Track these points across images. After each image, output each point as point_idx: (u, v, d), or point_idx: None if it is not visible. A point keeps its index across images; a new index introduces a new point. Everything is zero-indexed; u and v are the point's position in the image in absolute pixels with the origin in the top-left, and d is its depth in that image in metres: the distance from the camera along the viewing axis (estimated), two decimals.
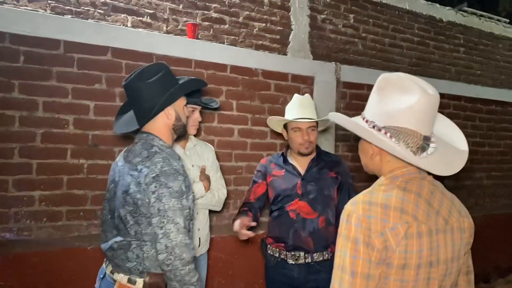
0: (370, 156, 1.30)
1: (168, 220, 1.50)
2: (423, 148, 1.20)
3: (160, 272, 1.57)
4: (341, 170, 2.40)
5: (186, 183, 1.60)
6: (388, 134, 1.21)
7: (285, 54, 4.19)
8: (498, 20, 6.11)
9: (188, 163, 2.42)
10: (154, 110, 1.66)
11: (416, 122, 1.19)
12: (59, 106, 2.84)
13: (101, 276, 1.72)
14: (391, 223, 1.13)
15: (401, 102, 1.20)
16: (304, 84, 3.93)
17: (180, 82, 1.83)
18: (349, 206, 1.20)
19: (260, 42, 4.05)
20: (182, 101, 1.80)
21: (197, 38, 3.66)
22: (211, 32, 3.76)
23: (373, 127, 1.24)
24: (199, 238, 2.43)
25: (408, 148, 1.20)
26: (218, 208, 2.59)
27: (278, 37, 4.14)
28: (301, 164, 2.38)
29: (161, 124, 1.73)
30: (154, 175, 1.53)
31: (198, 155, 2.51)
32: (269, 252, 2.39)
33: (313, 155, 2.39)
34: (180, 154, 2.40)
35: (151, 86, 1.68)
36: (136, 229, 1.58)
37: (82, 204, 2.89)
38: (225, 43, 3.81)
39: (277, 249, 2.32)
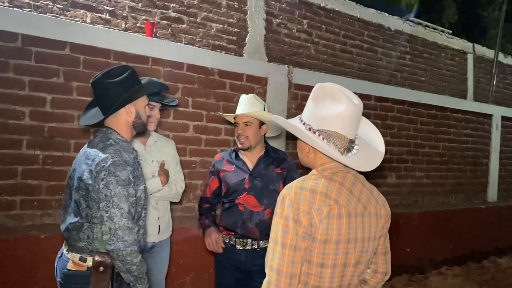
0: (306, 153, 1.54)
1: (113, 205, 1.68)
2: (348, 149, 1.45)
3: (108, 252, 1.73)
4: (287, 166, 2.60)
5: (134, 174, 1.77)
6: (321, 136, 1.45)
7: (241, 55, 4.38)
8: (442, 31, 6.58)
9: (148, 158, 2.57)
10: (115, 106, 1.82)
11: (344, 127, 1.44)
12: (16, 97, 2.90)
13: (59, 256, 1.87)
14: (317, 205, 1.37)
15: (332, 110, 1.44)
16: (258, 84, 4.13)
17: (143, 83, 2.01)
18: (284, 190, 1.44)
19: (217, 42, 4.23)
20: (143, 100, 1.97)
21: (155, 37, 3.78)
22: (169, 30, 3.90)
23: (309, 129, 1.47)
24: (159, 226, 2.58)
25: (336, 148, 1.44)
26: (177, 200, 2.74)
27: (235, 38, 4.33)
28: (250, 160, 2.58)
29: (122, 120, 1.89)
30: (104, 164, 1.70)
31: (158, 151, 2.65)
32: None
33: (262, 152, 2.59)
34: (141, 150, 2.55)
35: (115, 85, 1.85)
36: (87, 212, 1.74)
37: (36, 194, 2.97)
38: (183, 42, 3.96)
39: (227, 236, 2.51)
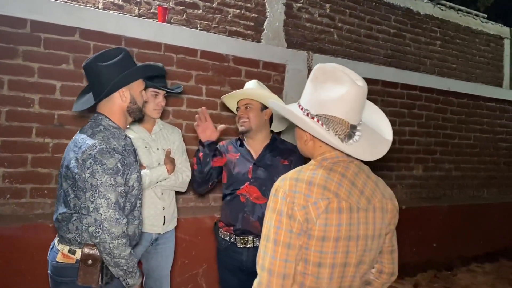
0: (304, 141, 1.39)
1: (99, 195, 1.58)
2: (349, 136, 1.29)
3: None
4: (294, 158, 2.41)
5: (124, 162, 1.67)
6: (320, 122, 1.29)
7: (259, 41, 4.24)
8: (476, 15, 6.20)
9: (153, 146, 2.49)
10: (107, 90, 1.73)
11: (345, 111, 1.28)
12: (25, 85, 2.87)
13: (51, 247, 1.80)
14: (314, 198, 1.22)
15: (333, 92, 1.28)
16: (275, 71, 3.98)
17: (139, 66, 1.90)
18: (278, 182, 1.30)
19: (234, 28, 4.09)
20: (139, 85, 1.87)
21: (170, 23, 3.69)
22: (184, 16, 3.79)
23: (307, 114, 1.32)
24: (164, 216, 2.50)
25: (336, 135, 1.28)
26: (183, 190, 2.65)
27: (252, 24, 4.19)
28: (255, 150, 2.44)
29: (115, 106, 1.79)
30: (91, 152, 1.61)
31: (164, 139, 2.57)
32: (220, 235, 2.44)
33: (268, 141, 2.45)
34: (146, 138, 2.47)
35: (109, 68, 1.75)
36: (76, 202, 1.66)
37: (46, 182, 2.94)
38: (198, 28, 3.85)
39: (228, 233, 2.37)
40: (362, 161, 1.39)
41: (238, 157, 2.42)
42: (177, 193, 3.36)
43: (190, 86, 3.50)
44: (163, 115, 3.36)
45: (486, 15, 6.40)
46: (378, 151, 1.34)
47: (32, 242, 2.67)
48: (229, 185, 2.40)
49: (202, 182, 2.42)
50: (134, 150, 1.87)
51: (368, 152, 1.31)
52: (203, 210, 3.53)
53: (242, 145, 2.47)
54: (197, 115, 2.35)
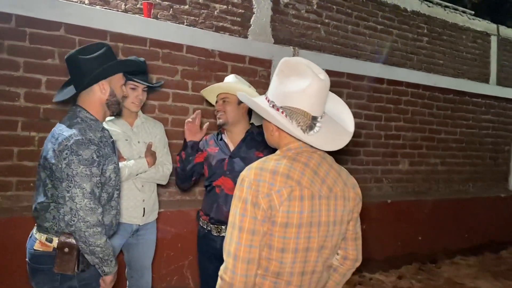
0: (270, 132, 1.45)
1: (75, 184, 1.63)
2: (311, 127, 1.36)
3: None
4: (270, 150, 2.47)
5: (99, 153, 1.72)
6: (284, 114, 1.36)
7: (246, 36, 4.27)
8: (463, 12, 6.27)
9: (134, 139, 2.53)
10: (87, 81, 1.78)
11: (307, 103, 1.35)
12: (10, 79, 2.90)
13: (30, 236, 1.85)
14: (277, 187, 1.29)
15: (296, 85, 1.35)
16: (261, 67, 4.03)
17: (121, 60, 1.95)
18: (244, 172, 1.37)
19: (221, 24, 4.13)
20: (119, 79, 1.92)
21: (156, 18, 3.72)
22: (170, 12, 3.83)
23: (273, 106, 1.38)
24: (144, 208, 2.55)
25: (299, 126, 1.35)
26: (164, 182, 2.70)
27: (239, 19, 4.22)
28: (233, 142, 2.49)
29: (95, 98, 1.84)
30: (67, 143, 1.66)
31: (146, 132, 2.62)
32: (200, 223, 2.52)
33: (244, 134, 2.50)
34: (127, 131, 2.52)
35: (90, 61, 1.81)
36: (53, 192, 1.71)
37: (32, 175, 2.98)
38: (185, 24, 3.88)
39: (205, 221, 2.45)
40: (334, 152, 1.45)
41: (217, 150, 2.48)
42: (163, 186, 3.43)
43: (176, 81, 3.55)
44: (149, 109, 3.41)
45: (473, 12, 6.47)
46: (339, 142, 1.39)
47: (18, 234, 2.71)
48: (209, 177, 2.47)
49: (184, 179, 2.53)
50: (113, 142, 1.91)
51: (328, 143, 1.37)
52: (189, 203, 3.59)
53: (221, 138, 2.53)
54: (192, 117, 2.48)
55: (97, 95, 1.84)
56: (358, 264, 1.53)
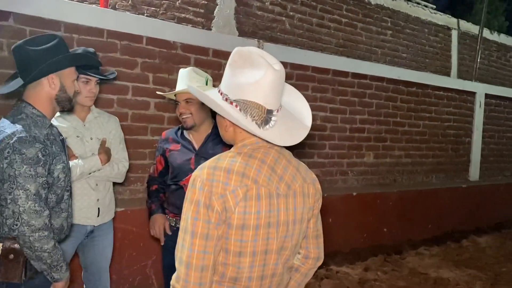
0: (225, 127, 1.35)
1: (18, 186, 1.51)
2: (266, 121, 1.26)
3: None
4: None
5: (46, 152, 1.59)
6: (238, 108, 1.26)
7: (209, 29, 4.18)
8: (425, 6, 6.37)
9: (87, 135, 2.39)
10: (34, 74, 1.65)
11: (262, 96, 1.25)
12: None
13: None
14: (232, 186, 1.20)
15: (250, 77, 1.25)
16: (226, 60, 3.87)
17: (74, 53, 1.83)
18: (196, 172, 1.26)
19: (183, 15, 4.01)
20: (71, 73, 1.79)
21: (114, 8, 3.57)
22: (129, 2, 3.68)
23: (226, 99, 1.29)
24: (98, 208, 2.42)
25: (253, 121, 1.25)
26: (120, 180, 2.58)
27: (202, 11, 4.12)
28: (197, 139, 2.39)
29: (43, 93, 1.71)
30: (9, 141, 1.53)
31: (99, 128, 2.48)
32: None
33: (210, 130, 2.41)
34: (79, 127, 2.37)
35: (39, 53, 1.68)
36: None
37: None
38: (145, 15, 3.74)
39: (174, 219, 2.37)
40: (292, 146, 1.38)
41: (179, 148, 2.38)
42: (125, 184, 3.30)
43: (135, 74, 3.41)
44: (107, 104, 3.26)
45: (434, 6, 6.59)
46: (295, 137, 1.31)
47: None
48: (174, 176, 2.36)
49: None
50: (62, 140, 1.79)
51: (284, 138, 1.28)
52: None
53: (182, 134, 2.42)
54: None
55: (45, 89, 1.71)
56: (320, 262, 1.48)
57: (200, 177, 1.22)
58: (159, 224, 2.36)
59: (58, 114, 2.14)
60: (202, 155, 2.32)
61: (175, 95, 2.37)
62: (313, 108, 1.50)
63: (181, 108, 2.31)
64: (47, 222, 1.56)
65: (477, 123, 6.50)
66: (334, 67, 4.76)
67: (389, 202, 4.98)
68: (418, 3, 6.26)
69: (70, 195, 1.80)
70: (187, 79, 2.30)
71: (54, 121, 2.17)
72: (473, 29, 7.06)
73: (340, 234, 4.43)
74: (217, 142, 2.36)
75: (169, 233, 2.37)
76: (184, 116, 2.30)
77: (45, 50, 1.68)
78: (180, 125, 2.48)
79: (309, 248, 1.44)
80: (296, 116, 1.38)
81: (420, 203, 5.31)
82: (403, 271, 4.37)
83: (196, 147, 2.36)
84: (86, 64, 2.08)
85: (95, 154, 2.34)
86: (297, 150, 1.37)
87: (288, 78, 4.05)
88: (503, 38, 7.75)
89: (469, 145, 6.48)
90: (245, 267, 1.22)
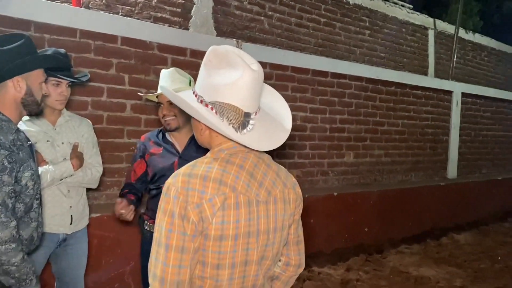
0: (200, 131, 1.27)
1: None
2: (243, 125, 1.19)
3: None
4: None
5: (12, 159, 1.50)
6: (214, 110, 1.18)
7: (187, 28, 4.09)
8: (402, 6, 6.42)
9: (57, 140, 2.28)
10: None
11: (239, 98, 1.18)
12: None
13: None
14: (209, 195, 1.12)
15: (226, 77, 1.17)
16: None
17: (42, 55, 1.73)
18: (169, 179, 1.18)
19: (160, 14, 3.92)
20: (38, 76, 1.70)
21: (88, 7, 3.46)
22: (103, 1, 3.57)
23: (201, 102, 1.21)
24: (71, 215, 2.32)
25: (230, 124, 1.18)
26: (93, 186, 2.48)
27: (179, 10, 4.03)
28: (180, 142, 2.31)
29: (8, 96, 1.62)
30: None
31: (71, 131, 2.37)
32: (146, 227, 2.34)
33: (192, 132, 2.33)
34: (49, 131, 2.26)
35: (3, 53, 1.58)
36: None
37: None
38: (120, 14, 3.64)
39: (153, 225, 2.28)
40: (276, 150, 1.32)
41: (161, 151, 2.29)
42: (100, 189, 3.19)
43: (110, 75, 3.31)
44: (81, 106, 3.16)
45: (411, 6, 6.65)
46: (275, 141, 1.24)
47: None
48: (155, 180, 2.27)
49: None
50: (30, 145, 1.69)
51: (263, 142, 1.21)
52: None
53: (164, 137, 2.34)
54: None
55: (10, 92, 1.61)
56: (301, 269, 1.42)
57: (175, 186, 1.14)
58: (120, 201, 2.20)
59: (26, 117, 2.03)
60: (185, 158, 2.23)
61: (157, 97, 2.29)
62: (293, 109, 1.45)
63: (164, 110, 2.22)
64: (14, 234, 1.46)
65: (454, 122, 6.59)
66: (314, 67, 4.74)
67: (370, 202, 4.99)
68: (396, 3, 6.30)
69: (40, 203, 1.70)
70: (170, 80, 2.22)
71: (22, 125, 2.06)
72: (449, 28, 7.15)
73: (322, 235, 4.40)
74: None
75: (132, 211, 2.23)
76: (167, 118, 2.21)
77: (10, 50, 1.58)
78: (161, 128, 2.40)
79: (290, 255, 1.38)
80: (276, 118, 1.31)
81: (400, 202, 5.34)
82: (384, 271, 4.38)
83: (180, 149, 2.28)
84: (56, 66, 1.98)
85: (66, 159, 2.24)
86: (277, 151, 1.33)
87: (267, 78, 4.01)
88: (478, 38, 7.88)
89: (447, 143, 6.56)
90: (223, 280, 1.15)
